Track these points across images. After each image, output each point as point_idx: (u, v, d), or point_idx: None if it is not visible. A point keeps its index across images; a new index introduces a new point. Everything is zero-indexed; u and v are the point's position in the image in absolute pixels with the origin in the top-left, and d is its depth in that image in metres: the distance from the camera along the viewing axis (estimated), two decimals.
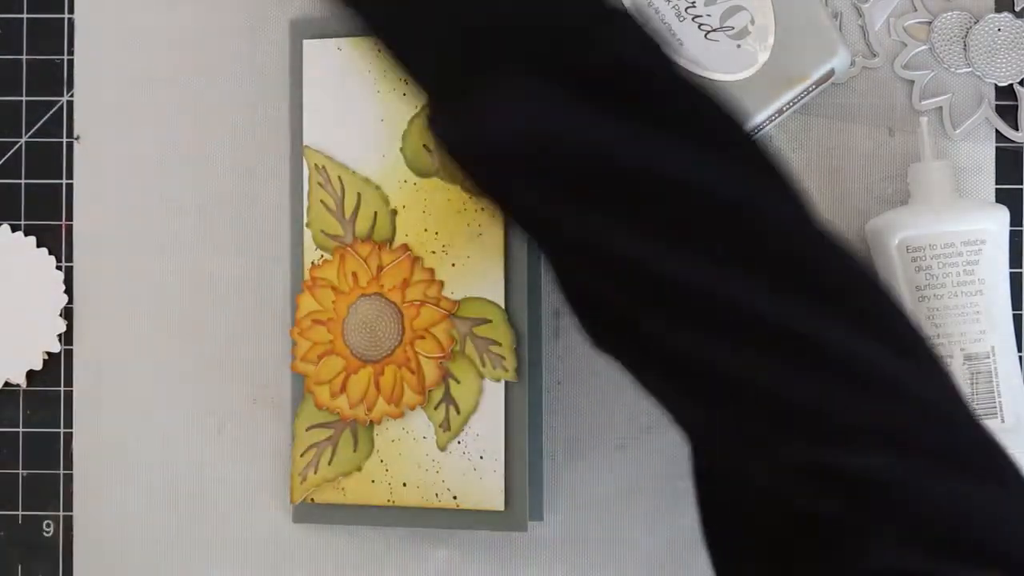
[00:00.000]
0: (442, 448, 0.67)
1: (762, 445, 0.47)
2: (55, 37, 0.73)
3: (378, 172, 0.68)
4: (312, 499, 0.69)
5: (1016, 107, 0.69)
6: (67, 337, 0.72)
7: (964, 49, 0.69)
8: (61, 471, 0.72)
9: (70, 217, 0.72)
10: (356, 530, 0.71)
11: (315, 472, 0.69)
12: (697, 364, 0.48)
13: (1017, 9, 0.69)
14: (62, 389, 0.72)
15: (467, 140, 0.50)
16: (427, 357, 0.67)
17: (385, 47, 0.53)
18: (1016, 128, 0.69)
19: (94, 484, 0.72)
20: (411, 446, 0.68)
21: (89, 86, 0.73)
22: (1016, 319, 0.67)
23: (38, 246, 0.72)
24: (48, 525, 0.72)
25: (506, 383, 0.67)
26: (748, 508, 0.49)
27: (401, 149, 0.68)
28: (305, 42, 0.69)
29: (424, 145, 0.68)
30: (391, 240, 0.68)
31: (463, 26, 0.50)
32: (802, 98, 0.67)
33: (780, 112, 0.66)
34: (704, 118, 0.50)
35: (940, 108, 0.69)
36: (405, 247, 0.68)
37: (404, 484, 0.67)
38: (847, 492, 0.46)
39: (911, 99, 0.69)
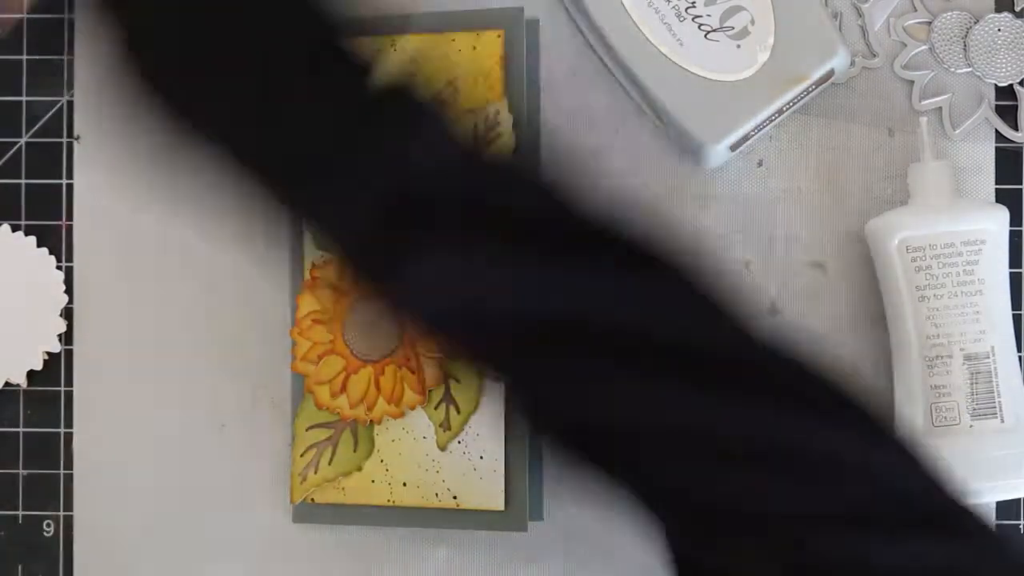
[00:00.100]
0: (442, 448, 0.67)
1: (739, 541, 0.48)
2: (55, 37, 0.73)
3: None
4: (312, 499, 0.69)
5: (1016, 107, 0.69)
6: (67, 337, 0.72)
7: (964, 49, 0.69)
8: (61, 471, 0.72)
9: (70, 217, 0.72)
10: (356, 530, 0.71)
11: (315, 472, 0.69)
12: (675, 488, 0.49)
13: (1017, 9, 0.69)
14: (62, 389, 0.72)
15: (401, 309, 0.52)
16: (427, 357, 0.67)
17: (291, 205, 0.53)
18: (1016, 128, 0.69)
19: (94, 484, 0.72)
20: (411, 446, 0.68)
21: (89, 86, 0.72)
22: (1016, 319, 0.67)
23: (38, 246, 0.72)
24: (48, 525, 0.72)
25: None
26: None
27: None
28: None
29: None
30: None
31: (379, 191, 0.51)
32: (802, 98, 0.67)
33: (780, 112, 0.66)
34: (614, 244, 0.52)
35: (940, 108, 0.69)
36: None
37: (404, 484, 0.67)
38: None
39: (911, 99, 0.69)
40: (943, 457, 0.51)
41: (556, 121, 0.70)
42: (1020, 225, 0.68)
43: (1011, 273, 0.66)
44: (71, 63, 0.73)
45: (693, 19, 0.66)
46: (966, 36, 0.69)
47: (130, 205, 0.72)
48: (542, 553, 0.70)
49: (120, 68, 0.52)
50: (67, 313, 0.72)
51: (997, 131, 0.69)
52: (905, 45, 0.69)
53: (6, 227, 0.72)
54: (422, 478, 0.67)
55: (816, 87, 0.66)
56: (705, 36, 0.66)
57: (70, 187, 0.72)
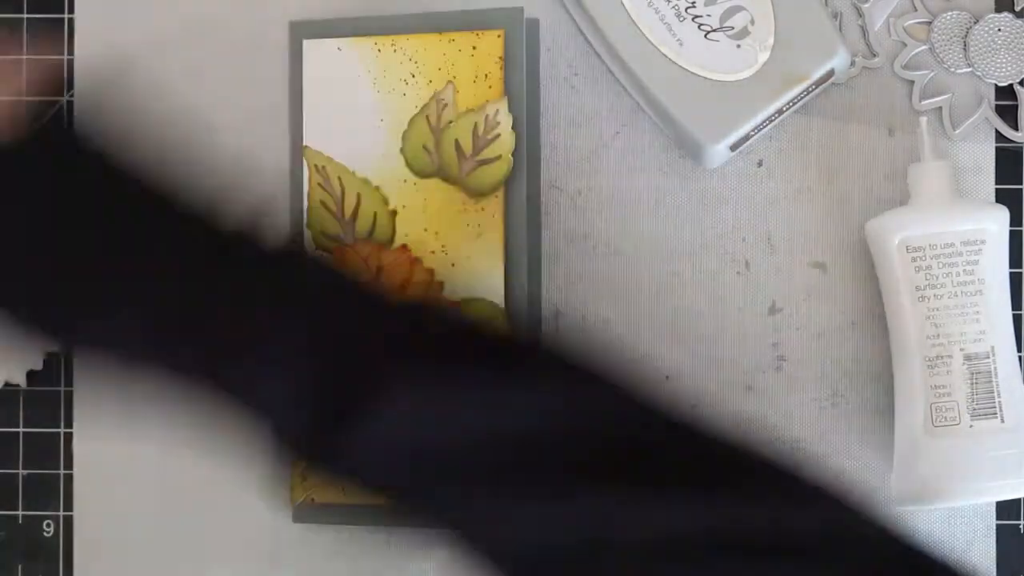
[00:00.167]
0: None
1: None
2: (55, 37, 0.73)
3: (378, 172, 0.68)
4: (312, 499, 0.69)
5: (1016, 107, 0.69)
6: None
7: (964, 49, 0.69)
8: (61, 471, 0.72)
9: None
10: (356, 530, 0.71)
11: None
12: None
13: (1017, 9, 0.69)
14: (62, 389, 0.72)
15: (360, 466, 0.51)
16: None
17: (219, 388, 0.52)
18: (1016, 128, 0.69)
19: (94, 484, 0.72)
20: None
21: (89, 86, 0.72)
22: (1016, 319, 0.67)
23: None
24: (48, 525, 0.72)
25: None
26: None
27: (401, 149, 0.68)
28: (305, 42, 0.70)
29: (424, 145, 0.68)
30: (391, 240, 0.68)
31: (304, 360, 0.50)
32: (802, 98, 0.67)
33: (780, 112, 0.66)
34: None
35: (940, 108, 0.69)
36: (405, 247, 0.68)
37: None
38: None
39: (911, 99, 0.69)
40: (916, 529, 0.52)
41: (556, 121, 0.71)
42: (1020, 225, 0.68)
43: (1011, 273, 0.66)
44: (71, 63, 0.73)
45: (693, 19, 0.66)
46: (966, 36, 0.68)
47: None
48: None
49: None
50: None
51: (997, 131, 0.69)
52: (905, 45, 0.69)
53: None
54: None
55: (816, 87, 0.66)
56: (705, 36, 0.66)
57: None
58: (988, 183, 0.69)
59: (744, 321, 0.70)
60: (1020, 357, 0.66)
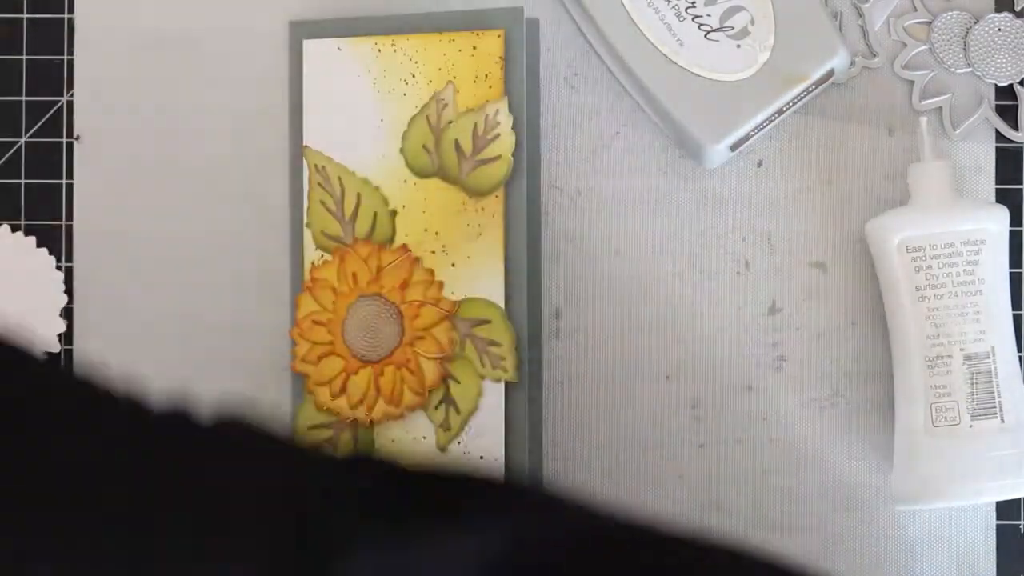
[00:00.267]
0: (442, 448, 0.67)
1: None
2: (55, 37, 0.73)
3: (378, 172, 0.68)
4: None
5: (1016, 107, 0.69)
6: (67, 337, 0.72)
7: (964, 49, 0.69)
8: None
9: (70, 217, 0.72)
10: None
11: None
12: None
13: (1017, 9, 0.69)
14: None
15: None
16: (427, 357, 0.67)
17: None
18: (1016, 128, 0.69)
19: None
20: (411, 446, 0.68)
21: (89, 86, 0.73)
22: (1016, 319, 0.67)
23: (38, 246, 0.72)
24: None
25: (506, 383, 0.67)
26: None
27: (401, 149, 0.68)
28: (305, 42, 0.70)
29: (424, 145, 0.68)
30: (391, 240, 0.68)
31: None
32: (802, 98, 0.67)
33: (780, 112, 0.66)
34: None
35: (940, 108, 0.69)
36: (405, 247, 0.68)
37: None
38: None
39: (911, 99, 0.69)
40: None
41: (556, 121, 0.71)
42: (1020, 225, 0.68)
43: (1011, 273, 0.66)
44: (71, 63, 0.73)
45: (693, 19, 0.66)
46: (966, 36, 0.68)
47: (130, 205, 0.72)
48: None
49: None
50: (67, 313, 0.72)
51: (997, 131, 0.69)
52: (905, 45, 0.69)
53: (6, 227, 0.72)
54: None
55: (816, 87, 0.66)
56: (705, 36, 0.66)
57: (70, 187, 0.72)
58: (988, 183, 0.69)
59: (744, 321, 0.70)
60: (1020, 357, 0.66)
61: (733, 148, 0.67)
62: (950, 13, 0.69)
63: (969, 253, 0.64)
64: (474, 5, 0.69)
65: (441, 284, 0.67)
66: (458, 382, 0.67)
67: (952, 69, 0.69)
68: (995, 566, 0.68)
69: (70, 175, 0.72)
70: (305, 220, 0.69)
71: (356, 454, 0.53)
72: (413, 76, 0.68)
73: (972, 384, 0.64)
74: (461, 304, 0.67)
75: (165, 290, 0.72)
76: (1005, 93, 0.69)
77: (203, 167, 0.72)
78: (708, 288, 0.70)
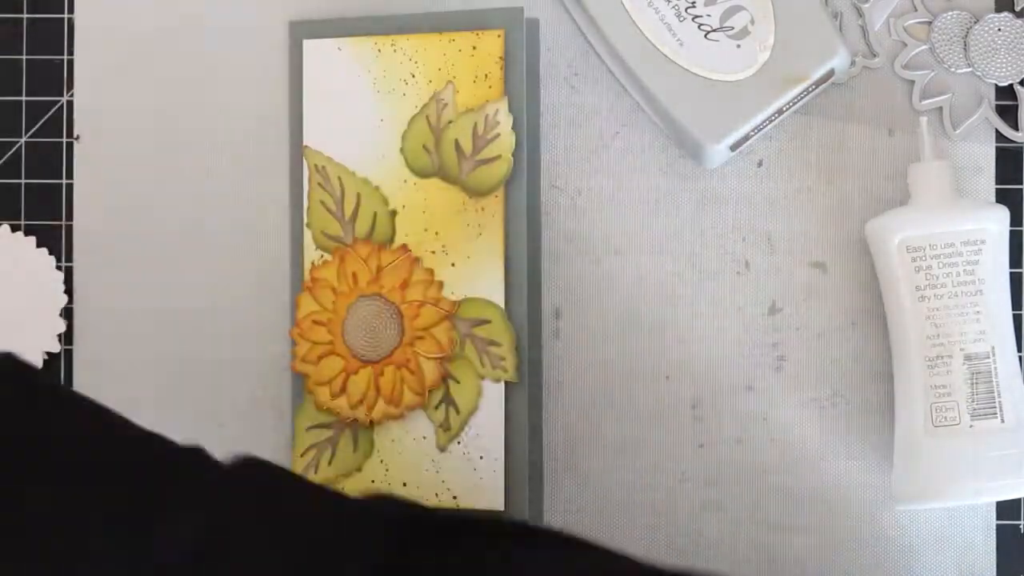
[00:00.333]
0: (442, 448, 0.67)
1: None
2: (55, 37, 0.73)
3: (378, 172, 0.68)
4: None
5: (1016, 107, 0.69)
6: (67, 337, 0.72)
7: (964, 49, 0.69)
8: None
9: (70, 217, 0.72)
10: None
11: (315, 472, 0.69)
12: None
13: (1017, 9, 0.69)
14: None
15: None
16: (427, 357, 0.67)
17: None
18: (1016, 128, 0.69)
19: None
20: (411, 446, 0.68)
21: (89, 86, 0.73)
22: (1016, 319, 0.67)
23: (38, 246, 0.72)
24: None
25: (506, 383, 0.67)
26: None
27: (401, 149, 0.68)
28: (305, 42, 0.70)
29: (424, 145, 0.68)
30: (391, 240, 0.68)
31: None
32: (802, 98, 0.66)
33: (780, 112, 0.66)
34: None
35: (940, 108, 0.69)
36: (405, 247, 0.68)
37: (404, 484, 0.67)
38: None
39: (911, 99, 0.69)
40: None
41: (556, 121, 0.71)
42: (1020, 225, 0.68)
43: (1011, 273, 0.66)
44: (71, 63, 0.73)
45: (693, 19, 0.66)
46: (966, 36, 0.68)
47: (130, 205, 0.72)
48: None
49: None
50: (67, 313, 0.72)
51: (997, 131, 0.69)
52: (905, 45, 0.69)
53: (6, 227, 0.72)
54: (422, 478, 0.67)
55: (816, 87, 0.66)
56: (705, 36, 0.66)
57: (70, 187, 0.72)
58: (988, 183, 0.69)
59: (744, 321, 0.70)
60: (1020, 357, 0.66)
61: (733, 148, 0.67)
62: (950, 13, 0.69)
63: (969, 253, 0.64)
64: (474, 5, 0.69)
65: (441, 284, 0.67)
66: (458, 382, 0.67)
67: (952, 69, 0.69)
68: (995, 566, 0.68)
69: (70, 175, 0.72)
70: (305, 220, 0.69)
71: (378, 498, 0.52)
72: (413, 76, 0.68)
73: (972, 384, 0.64)
74: (461, 304, 0.67)
75: (165, 290, 0.72)
76: (1005, 93, 0.69)
77: (203, 167, 0.72)
78: (708, 288, 0.70)
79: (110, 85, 0.73)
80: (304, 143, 0.70)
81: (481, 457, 0.67)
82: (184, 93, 0.72)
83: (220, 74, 0.72)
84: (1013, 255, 0.66)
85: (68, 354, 0.72)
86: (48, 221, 0.72)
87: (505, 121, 0.67)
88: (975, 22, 0.68)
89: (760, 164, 0.70)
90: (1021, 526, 0.68)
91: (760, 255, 0.70)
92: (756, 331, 0.69)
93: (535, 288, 0.69)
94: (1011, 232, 0.66)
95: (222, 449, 0.72)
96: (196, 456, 0.51)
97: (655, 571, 0.49)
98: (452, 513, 0.55)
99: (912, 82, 0.69)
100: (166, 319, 0.72)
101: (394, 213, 0.68)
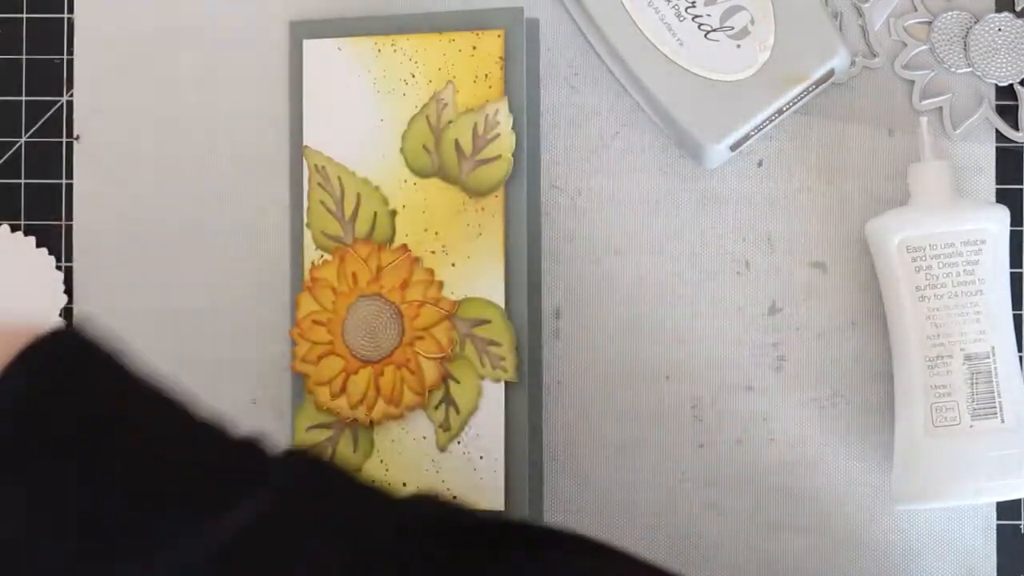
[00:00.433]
0: (442, 448, 0.67)
1: None
2: (55, 37, 0.73)
3: (378, 172, 0.68)
4: None
5: (1016, 107, 0.69)
6: None
7: (964, 49, 0.69)
8: None
9: (70, 217, 0.72)
10: None
11: None
12: None
13: (1017, 9, 0.69)
14: None
15: None
16: (427, 357, 0.67)
17: None
18: (1016, 128, 0.69)
19: None
20: (411, 446, 0.68)
21: (89, 86, 0.73)
22: (1016, 319, 0.67)
23: (38, 246, 0.72)
24: None
25: (506, 383, 0.67)
26: None
27: (401, 149, 0.68)
28: (305, 42, 0.70)
29: (424, 145, 0.68)
30: (391, 240, 0.68)
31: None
32: (802, 98, 0.66)
33: (780, 112, 0.66)
34: None
35: (940, 108, 0.69)
36: (405, 247, 0.68)
37: (404, 484, 0.67)
38: None
39: (911, 99, 0.69)
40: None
41: (556, 121, 0.71)
42: (1020, 225, 0.68)
43: (1011, 273, 0.66)
44: (71, 63, 0.73)
45: (693, 19, 0.66)
46: (966, 36, 0.68)
47: (130, 205, 0.72)
48: None
49: None
50: (67, 313, 0.72)
51: (997, 131, 0.69)
52: (905, 45, 0.69)
53: (6, 227, 0.72)
54: (422, 478, 0.67)
55: (816, 87, 0.66)
56: (705, 36, 0.66)
57: (70, 187, 0.72)
58: (988, 183, 0.69)
59: (744, 321, 0.70)
60: (1020, 357, 0.66)
61: (733, 148, 0.67)
62: (950, 13, 0.69)
63: (969, 253, 0.64)
64: (474, 5, 0.69)
65: (441, 284, 0.67)
66: (458, 382, 0.67)
67: (952, 69, 0.69)
68: (995, 566, 0.68)
69: (70, 175, 0.72)
70: (305, 220, 0.69)
71: (424, 497, 0.52)
72: (413, 76, 0.68)
73: (972, 384, 0.64)
74: (461, 304, 0.67)
75: (165, 290, 0.72)
76: (1005, 93, 0.69)
77: (203, 167, 0.72)
78: (708, 288, 0.70)
79: (110, 85, 0.73)
80: (304, 143, 0.70)
81: (481, 457, 0.67)
82: (184, 93, 0.72)
83: (220, 74, 0.72)
84: (1013, 255, 0.66)
85: None
86: (48, 221, 0.73)
87: (505, 121, 0.67)
88: (975, 22, 0.68)
89: (760, 164, 0.70)
90: (1021, 526, 0.68)
91: (760, 255, 0.70)
92: (756, 331, 0.69)
93: (535, 288, 0.69)
94: (1011, 232, 0.66)
95: None
96: (252, 447, 0.51)
97: None
98: (495, 516, 0.56)
99: (912, 82, 0.69)
100: (166, 319, 0.72)
101: (394, 213, 0.68)
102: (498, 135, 0.67)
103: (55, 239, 0.72)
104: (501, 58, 0.67)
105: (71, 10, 0.73)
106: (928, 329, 0.64)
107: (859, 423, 0.69)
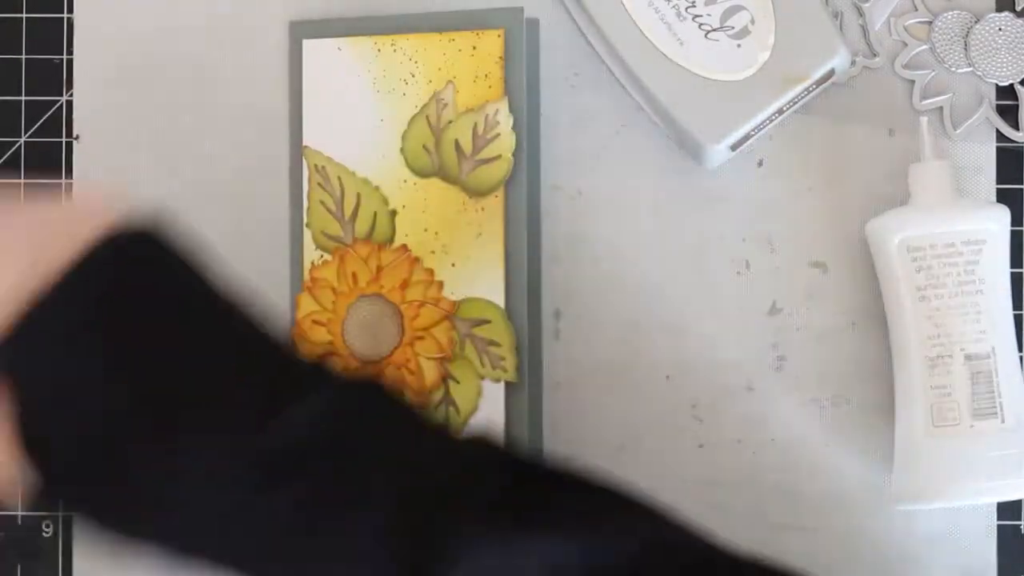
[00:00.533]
0: None
1: None
2: (55, 37, 0.73)
3: (378, 172, 0.68)
4: None
5: (1017, 107, 0.69)
6: None
7: (965, 49, 0.69)
8: None
9: None
10: None
11: None
12: None
13: (1018, 9, 0.69)
14: None
15: None
16: (427, 358, 0.67)
17: None
18: (1016, 128, 0.69)
19: None
20: None
21: (89, 86, 0.73)
22: (1016, 319, 0.67)
23: None
24: (48, 525, 0.72)
25: (506, 383, 0.67)
26: None
27: (401, 149, 0.68)
28: (305, 42, 0.70)
29: (424, 145, 0.68)
30: (391, 240, 0.68)
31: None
32: (802, 98, 0.66)
33: (780, 112, 0.66)
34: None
35: (940, 108, 0.69)
36: (404, 247, 0.68)
37: None
38: None
39: (911, 99, 0.69)
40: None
41: (556, 121, 0.70)
42: (1021, 225, 0.68)
43: (1012, 273, 0.66)
44: (71, 63, 0.73)
45: (693, 19, 0.66)
46: (967, 36, 0.68)
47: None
48: None
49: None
50: None
51: (998, 131, 0.69)
52: (906, 45, 0.69)
53: None
54: None
55: (816, 87, 0.66)
56: (705, 36, 0.66)
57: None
58: (989, 183, 0.69)
59: (744, 321, 0.69)
60: (1021, 357, 0.66)
61: (733, 148, 0.67)
62: (951, 13, 0.69)
63: (969, 253, 0.64)
64: (474, 5, 0.69)
65: (441, 284, 0.67)
66: (458, 382, 0.67)
67: (953, 69, 0.69)
68: (995, 566, 0.68)
69: (70, 175, 0.72)
70: (305, 220, 0.69)
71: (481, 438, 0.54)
72: (413, 76, 0.68)
73: (972, 384, 0.64)
74: (461, 304, 0.67)
75: None
76: (1006, 93, 0.69)
77: (203, 167, 0.72)
78: (708, 288, 0.70)
79: (110, 85, 0.73)
80: (304, 143, 0.70)
81: None
82: (184, 93, 0.72)
83: (220, 74, 0.72)
84: (1013, 255, 0.66)
85: None
86: None
87: (505, 121, 0.67)
88: (976, 22, 0.68)
89: (760, 164, 0.70)
90: (1021, 526, 0.68)
91: (760, 255, 0.70)
92: (756, 331, 0.69)
93: (535, 288, 0.69)
94: (1011, 232, 0.66)
95: None
96: (319, 364, 0.53)
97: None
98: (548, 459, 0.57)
99: (912, 82, 0.69)
100: None
101: (394, 213, 0.68)
102: (498, 135, 0.67)
103: None
104: (501, 58, 0.67)
105: (71, 10, 0.73)
106: (928, 329, 0.64)
107: (859, 423, 0.69)
